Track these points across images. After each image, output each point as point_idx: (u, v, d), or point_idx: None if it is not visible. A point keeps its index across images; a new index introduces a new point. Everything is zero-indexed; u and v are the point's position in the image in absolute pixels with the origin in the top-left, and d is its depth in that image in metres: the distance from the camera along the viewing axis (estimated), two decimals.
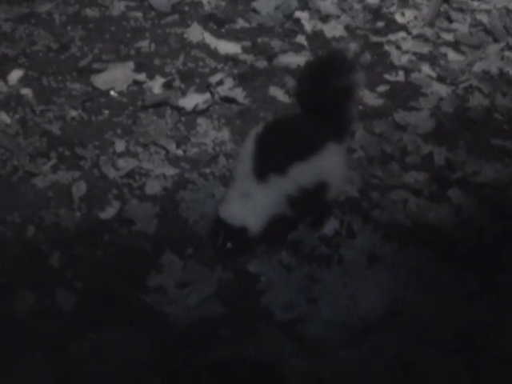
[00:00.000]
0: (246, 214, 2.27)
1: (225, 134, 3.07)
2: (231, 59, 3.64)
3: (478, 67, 3.75)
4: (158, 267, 2.42)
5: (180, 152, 2.96)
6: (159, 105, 3.21)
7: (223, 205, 2.33)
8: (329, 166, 2.36)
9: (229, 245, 2.31)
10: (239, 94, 3.32)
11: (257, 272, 2.43)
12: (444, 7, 4.29)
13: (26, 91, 3.24)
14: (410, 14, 4.22)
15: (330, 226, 2.63)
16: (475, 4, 4.38)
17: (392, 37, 3.99)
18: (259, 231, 2.30)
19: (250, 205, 2.27)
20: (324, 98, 2.39)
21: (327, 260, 2.50)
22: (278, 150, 2.28)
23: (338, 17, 4.13)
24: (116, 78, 3.37)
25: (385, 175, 2.91)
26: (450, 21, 4.21)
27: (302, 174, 2.28)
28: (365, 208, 2.75)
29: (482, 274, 2.50)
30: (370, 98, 3.40)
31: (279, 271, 2.44)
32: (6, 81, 3.30)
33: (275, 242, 2.50)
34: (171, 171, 2.84)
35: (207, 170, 2.87)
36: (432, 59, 3.82)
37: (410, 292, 2.40)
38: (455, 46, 3.98)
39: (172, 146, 2.97)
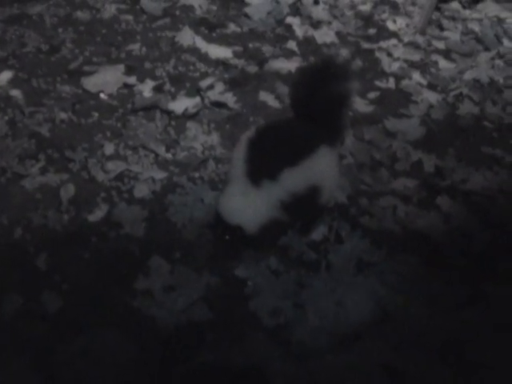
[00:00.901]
0: (242, 213, 2.29)
1: (214, 138, 3.08)
2: (222, 64, 3.65)
3: (468, 75, 3.77)
4: (145, 271, 2.42)
5: (169, 156, 2.96)
6: (149, 108, 3.22)
7: (222, 200, 2.34)
8: (320, 171, 2.37)
9: (227, 237, 2.33)
10: (229, 99, 3.33)
11: (244, 277, 2.43)
12: (436, 15, 4.33)
13: (16, 93, 3.24)
14: (401, 21, 4.25)
15: (319, 232, 2.63)
16: (467, 13, 4.43)
17: (383, 44, 4.02)
18: (253, 232, 2.31)
19: (246, 205, 2.28)
20: (316, 103, 2.40)
21: (315, 266, 2.51)
22: (269, 155, 2.28)
23: (329, 23, 4.15)
24: (106, 80, 3.37)
25: (374, 182, 2.93)
26: (442, 29, 4.25)
27: (294, 180, 2.28)
28: (353, 214, 2.75)
29: (471, 281, 2.51)
30: (361, 105, 3.41)
31: (267, 276, 2.44)
32: None
33: (264, 246, 2.50)
34: (160, 175, 2.84)
35: (196, 174, 2.87)
36: (423, 67, 3.85)
37: (398, 299, 2.41)
38: (446, 53, 4.01)
39: (161, 150, 2.97)
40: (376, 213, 2.77)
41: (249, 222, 2.29)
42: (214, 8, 4.18)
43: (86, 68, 3.47)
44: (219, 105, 3.29)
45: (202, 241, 2.55)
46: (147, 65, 3.56)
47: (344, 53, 3.86)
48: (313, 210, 2.50)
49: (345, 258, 2.55)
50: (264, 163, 2.28)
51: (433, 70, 3.83)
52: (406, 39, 4.08)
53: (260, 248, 2.50)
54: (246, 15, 4.12)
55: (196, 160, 2.94)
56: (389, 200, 2.83)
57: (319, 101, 2.40)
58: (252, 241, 2.36)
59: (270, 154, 2.28)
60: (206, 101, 3.31)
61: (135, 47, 3.69)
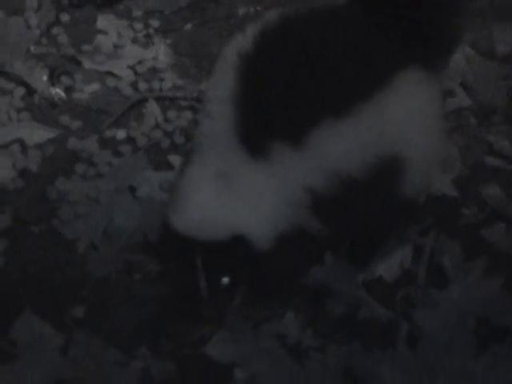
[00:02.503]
0: (223, 219, 2.34)
1: (160, 52, 3.15)
2: None
3: None
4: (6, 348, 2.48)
5: (58, 92, 3.03)
6: None
7: (179, 193, 2.40)
8: (402, 127, 2.41)
9: (186, 273, 2.38)
10: None
11: (227, 359, 2.47)
12: None
13: None
14: None
15: (393, 262, 2.68)
16: None
17: None
18: (247, 261, 2.38)
19: (233, 202, 2.33)
20: None
21: (384, 335, 2.55)
22: (288, 90, 2.31)
23: None
24: None
25: None
26: None
27: (343, 145, 2.32)
28: (469, 222, 2.80)
29: None
30: None
31: (276, 358, 2.48)
32: None
33: (269, 291, 2.57)
34: (39, 134, 2.90)
35: (119, 134, 2.94)
36: None
37: None
38: None
39: (40, 81, 3.03)
40: None
41: (238, 239, 2.34)
42: None
43: None
44: None
45: (131, 284, 2.62)
46: None
47: None
48: (381, 212, 2.54)
49: (450, 318, 2.58)
50: (277, 109, 2.31)
51: None
52: None
53: (259, 296, 2.57)
54: None
55: (118, 101, 3.01)
56: None
57: None
58: (243, 280, 2.43)
59: (289, 87, 2.31)
60: None
61: None
